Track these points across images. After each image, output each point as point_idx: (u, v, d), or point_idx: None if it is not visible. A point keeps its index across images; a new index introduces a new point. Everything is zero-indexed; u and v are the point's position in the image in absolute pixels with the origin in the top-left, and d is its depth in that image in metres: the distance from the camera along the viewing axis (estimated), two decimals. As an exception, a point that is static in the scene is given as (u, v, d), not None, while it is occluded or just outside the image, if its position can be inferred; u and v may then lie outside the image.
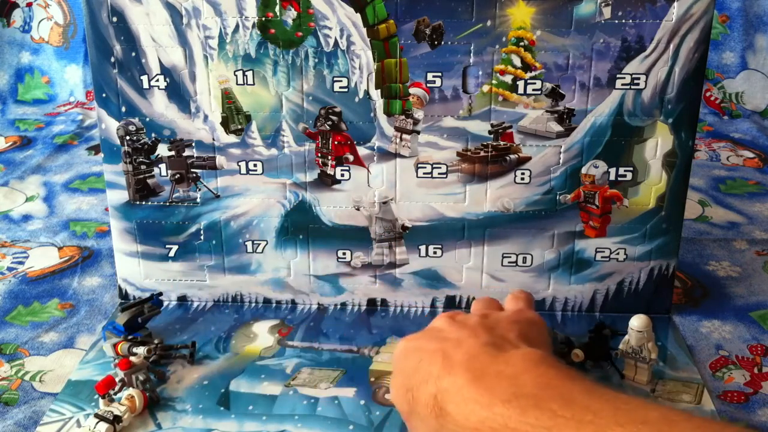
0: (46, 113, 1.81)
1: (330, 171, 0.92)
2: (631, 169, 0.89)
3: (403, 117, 0.89)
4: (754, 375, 0.87)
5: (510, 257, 0.94)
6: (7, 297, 1.04)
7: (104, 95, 0.90)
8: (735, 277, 1.07)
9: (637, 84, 0.86)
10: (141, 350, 0.84)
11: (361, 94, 0.88)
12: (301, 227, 0.95)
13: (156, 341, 0.88)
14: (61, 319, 0.99)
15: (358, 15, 0.85)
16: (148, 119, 0.91)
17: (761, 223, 1.24)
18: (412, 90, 0.88)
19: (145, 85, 0.89)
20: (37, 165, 1.51)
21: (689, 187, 0.91)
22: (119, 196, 0.95)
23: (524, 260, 0.94)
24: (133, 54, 0.88)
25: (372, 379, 0.85)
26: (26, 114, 1.80)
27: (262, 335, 0.94)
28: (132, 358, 0.84)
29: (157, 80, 0.89)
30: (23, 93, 1.87)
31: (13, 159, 1.55)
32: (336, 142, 0.90)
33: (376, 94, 0.88)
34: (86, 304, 1.02)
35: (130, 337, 0.88)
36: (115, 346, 0.87)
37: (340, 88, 0.88)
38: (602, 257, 0.93)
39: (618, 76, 0.85)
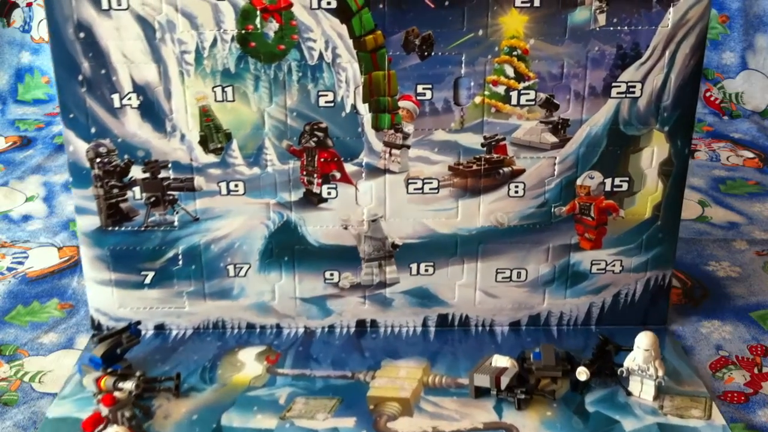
0: (46, 113, 1.79)
1: (316, 189, 0.88)
2: (627, 179, 0.87)
3: (392, 131, 0.85)
4: (754, 375, 0.87)
5: (504, 272, 0.91)
6: (6, 297, 1.03)
7: (72, 116, 0.85)
8: (735, 277, 1.07)
9: (633, 92, 0.83)
10: (128, 385, 0.79)
11: (348, 109, 0.84)
12: (286, 248, 0.90)
13: (138, 374, 0.83)
14: (60, 320, 0.98)
15: (344, 26, 0.81)
16: (120, 140, 0.85)
17: (761, 223, 1.25)
18: (401, 103, 0.84)
19: (117, 104, 0.84)
20: (37, 165, 1.50)
21: (689, 187, 0.90)
22: (90, 222, 0.89)
23: (518, 275, 0.91)
24: (103, 71, 0.83)
25: (371, 407, 0.81)
26: (26, 114, 1.79)
27: (250, 363, 0.89)
28: (116, 394, 0.79)
29: (130, 99, 0.84)
30: (23, 93, 1.84)
31: (13, 159, 1.54)
32: (322, 160, 0.86)
33: (363, 109, 0.84)
34: (86, 304, 0.98)
35: (109, 371, 0.83)
36: (97, 380, 0.81)
37: (326, 102, 0.84)
38: (598, 269, 0.91)
39: (613, 84, 0.83)
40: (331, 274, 0.92)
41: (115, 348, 0.85)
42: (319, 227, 0.89)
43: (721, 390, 0.84)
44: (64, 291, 1.03)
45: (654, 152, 0.86)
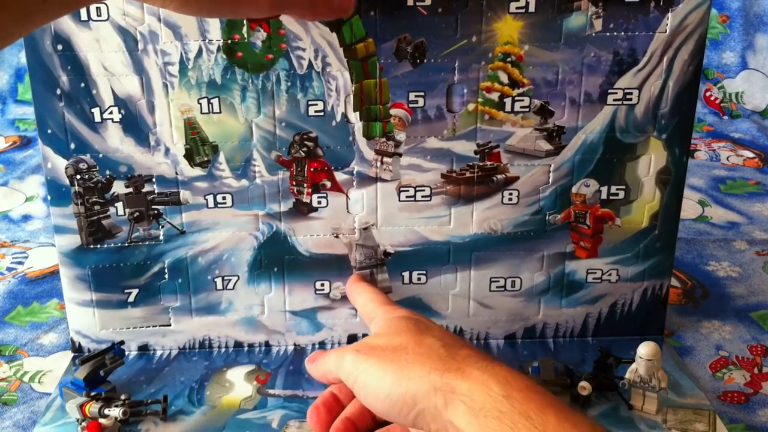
0: (46, 113, 1.81)
1: (306, 199, 0.85)
2: (624, 187, 0.85)
3: (383, 140, 0.83)
4: (754, 375, 0.86)
5: (498, 281, 0.89)
6: (6, 297, 1.04)
7: (50, 131, 0.81)
8: (735, 277, 1.07)
9: (630, 99, 0.82)
10: (115, 412, 0.76)
11: (338, 118, 0.82)
12: (275, 259, 0.87)
13: (123, 397, 0.79)
14: (60, 320, 0.98)
15: (334, 34, 0.78)
16: (101, 155, 0.82)
17: (761, 223, 1.24)
18: (393, 111, 0.81)
19: (97, 119, 0.81)
20: (37, 165, 1.49)
21: (689, 187, 0.88)
22: (70, 241, 0.85)
23: (513, 284, 0.89)
24: (83, 85, 0.79)
25: (368, 427, 0.79)
26: (26, 114, 1.77)
27: (239, 383, 0.86)
28: (102, 421, 0.76)
29: (111, 112, 0.80)
30: (23, 93, 1.82)
31: (13, 159, 1.54)
32: (312, 169, 0.83)
33: (354, 117, 0.82)
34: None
35: (93, 394, 0.80)
36: (82, 406, 0.78)
37: (316, 112, 0.81)
38: (594, 279, 0.89)
39: (610, 91, 0.81)
40: (322, 285, 0.89)
41: (99, 370, 0.82)
42: (309, 236, 0.86)
43: (721, 390, 0.84)
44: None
45: (651, 160, 0.84)
